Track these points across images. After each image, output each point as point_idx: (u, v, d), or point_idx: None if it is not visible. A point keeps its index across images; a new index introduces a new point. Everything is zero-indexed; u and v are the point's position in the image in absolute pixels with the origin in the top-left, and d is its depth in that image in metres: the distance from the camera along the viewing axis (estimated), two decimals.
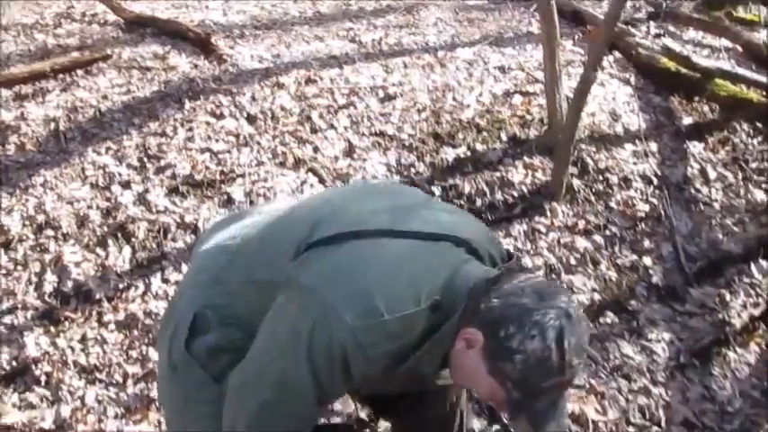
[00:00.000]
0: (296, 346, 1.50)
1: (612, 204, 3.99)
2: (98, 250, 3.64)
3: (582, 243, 3.74)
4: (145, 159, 4.22)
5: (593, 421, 2.85)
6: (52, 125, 4.59)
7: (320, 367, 1.50)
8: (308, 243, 1.60)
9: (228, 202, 3.91)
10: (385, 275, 1.51)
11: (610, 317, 3.35)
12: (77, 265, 3.56)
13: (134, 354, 3.16)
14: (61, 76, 5.14)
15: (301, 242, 1.61)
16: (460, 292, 1.53)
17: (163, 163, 4.18)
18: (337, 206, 1.69)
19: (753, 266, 3.61)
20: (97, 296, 3.42)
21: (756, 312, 3.37)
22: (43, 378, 3.04)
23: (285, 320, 1.54)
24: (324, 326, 1.48)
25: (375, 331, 1.48)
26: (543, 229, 3.81)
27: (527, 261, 3.61)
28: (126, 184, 4.03)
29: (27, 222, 3.75)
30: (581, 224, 3.85)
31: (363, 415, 2.74)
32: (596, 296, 3.45)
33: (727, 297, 3.46)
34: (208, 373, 1.70)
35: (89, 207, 3.86)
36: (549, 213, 3.90)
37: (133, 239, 3.67)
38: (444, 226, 1.64)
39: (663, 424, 2.87)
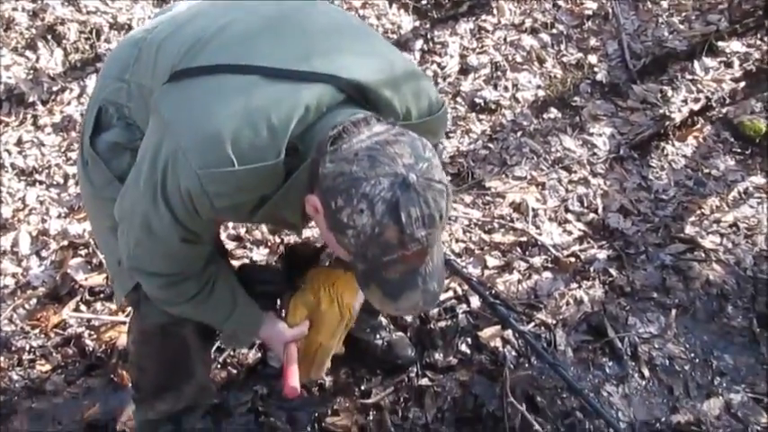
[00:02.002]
0: (154, 188, 1.41)
1: (560, 2, 3.91)
2: (28, 53, 3.49)
3: (528, 41, 3.70)
4: None
5: (534, 209, 2.93)
6: None
7: (177, 209, 1.41)
8: (176, 70, 1.47)
9: (163, 0, 3.72)
10: (245, 120, 1.35)
11: (553, 112, 3.38)
12: (7, 68, 3.41)
13: (73, 155, 3.10)
14: None
15: (174, 65, 1.48)
16: (315, 140, 1.36)
17: None
18: (225, 26, 1.50)
19: (696, 63, 3.62)
20: (31, 99, 3.32)
21: (696, 107, 3.42)
22: None
23: (148, 154, 1.44)
24: (174, 168, 1.38)
25: (223, 181, 1.35)
26: (490, 28, 3.75)
27: (473, 60, 3.58)
28: None
29: None
30: (528, 22, 3.79)
31: None
32: (540, 93, 3.46)
33: (669, 93, 3.49)
34: (111, 172, 1.65)
35: (14, 9, 3.65)
36: (495, 11, 3.82)
37: (64, 41, 3.52)
38: (331, 65, 1.42)
39: (600, 211, 2.97)
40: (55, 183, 3.02)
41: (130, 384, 2.14)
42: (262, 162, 1.35)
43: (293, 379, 1.67)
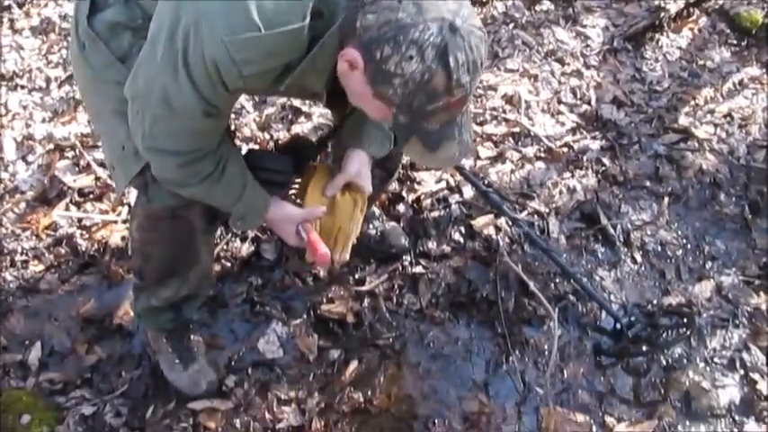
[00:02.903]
0: (174, 59, 1.36)
1: None
2: None
3: None
4: None
5: (526, 101, 2.90)
6: None
7: (199, 81, 1.37)
8: None
9: None
10: None
11: (546, 4, 3.32)
12: None
13: (54, 58, 3.03)
14: None
15: None
16: (339, 4, 1.33)
17: None
18: None
19: None
20: (6, 2, 3.22)
21: None
22: None
23: (164, 26, 1.37)
24: (197, 37, 1.32)
25: (251, 47, 1.31)
26: None
27: None
28: None
29: None
30: None
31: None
32: None
33: None
34: (112, 53, 1.59)
35: None
36: None
37: None
38: None
39: (593, 102, 2.94)
40: (37, 87, 2.95)
41: (132, 273, 2.12)
42: (288, 25, 1.31)
43: (321, 246, 1.68)
